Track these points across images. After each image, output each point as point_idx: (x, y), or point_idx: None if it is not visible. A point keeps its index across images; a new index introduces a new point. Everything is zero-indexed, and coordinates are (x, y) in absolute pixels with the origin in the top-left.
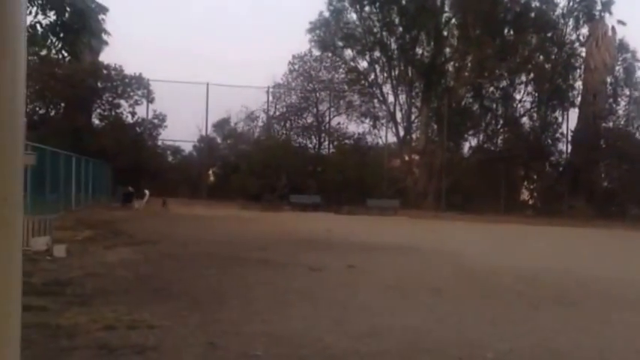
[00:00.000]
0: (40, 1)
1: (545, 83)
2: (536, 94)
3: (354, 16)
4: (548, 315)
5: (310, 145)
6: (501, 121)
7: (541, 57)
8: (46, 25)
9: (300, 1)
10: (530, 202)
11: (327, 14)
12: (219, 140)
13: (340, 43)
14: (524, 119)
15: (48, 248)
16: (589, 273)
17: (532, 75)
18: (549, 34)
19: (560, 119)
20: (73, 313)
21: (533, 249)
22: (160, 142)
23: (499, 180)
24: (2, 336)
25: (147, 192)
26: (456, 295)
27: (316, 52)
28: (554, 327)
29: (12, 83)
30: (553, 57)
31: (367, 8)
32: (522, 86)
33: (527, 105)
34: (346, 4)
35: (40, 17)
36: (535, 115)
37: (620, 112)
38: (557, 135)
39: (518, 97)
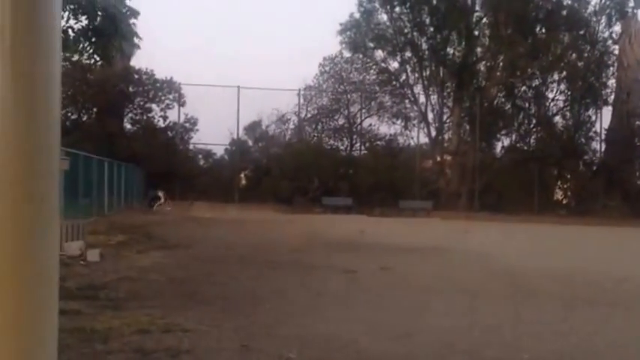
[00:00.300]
0: (71, 6)
1: (578, 81)
2: (569, 93)
3: (384, 16)
4: (585, 316)
5: (342, 147)
6: (534, 121)
7: (573, 55)
8: (78, 29)
9: (331, 3)
10: (564, 201)
11: (357, 15)
12: (250, 143)
13: (371, 44)
14: (557, 118)
15: (81, 253)
16: (626, 273)
17: (565, 73)
18: (581, 32)
19: (593, 118)
20: (107, 317)
21: (568, 249)
22: (191, 146)
23: (532, 180)
24: (40, 339)
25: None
26: (491, 296)
27: (347, 54)
28: (592, 328)
29: (47, 84)
30: (586, 55)
31: (398, 9)
32: (555, 85)
33: (560, 104)
34: (377, 5)
35: (71, 22)
36: (568, 113)
37: None
38: (591, 134)
39: (550, 95)
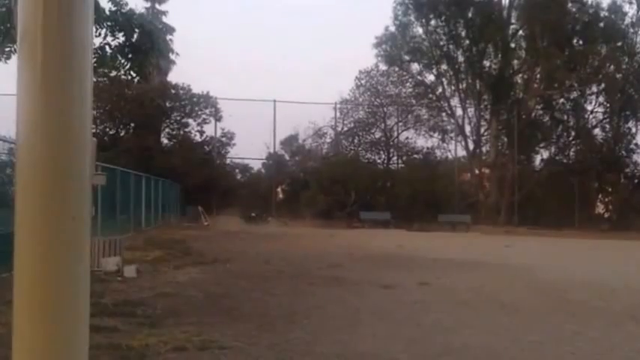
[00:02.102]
0: (109, 23)
1: (617, 93)
2: (608, 105)
3: (420, 30)
4: (628, 332)
5: (379, 161)
6: (573, 133)
7: (611, 67)
8: (115, 46)
9: (366, 17)
10: (606, 215)
11: (392, 29)
12: (287, 157)
13: (407, 57)
14: (597, 130)
15: (118, 269)
16: None
17: (603, 85)
18: (619, 44)
19: (633, 130)
20: (144, 334)
21: (610, 264)
22: (228, 161)
23: (572, 193)
24: (70, 354)
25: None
26: (531, 312)
27: (383, 67)
28: (636, 345)
29: (80, 102)
30: (624, 67)
31: (433, 22)
32: (593, 97)
33: (600, 116)
34: (412, 18)
35: (109, 39)
36: (607, 126)
37: None
38: (632, 146)
39: (589, 108)
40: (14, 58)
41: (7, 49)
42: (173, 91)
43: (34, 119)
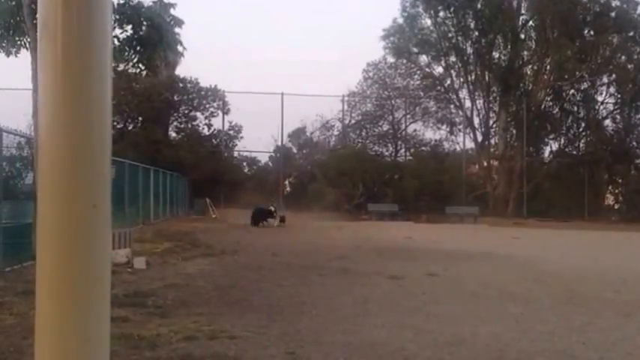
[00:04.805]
0: (117, 16)
1: (628, 84)
2: (619, 96)
3: (428, 21)
4: (639, 323)
5: (387, 153)
6: (583, 124)
7: (623, 57)
8: (124, 39)
9: (374, 9)
10: (616, 206)
11: (400, 21)
12: (294, 150)
13: (415, 49)
14: (607, 121)
15: (128, 260)
16: None
17: (614, 76)
18: (631, 34)
19: None
20: (155, 324)
21: (620, 255)
22: (236, 154)
23: (582, 185)
24: (92, 340)
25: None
26: (540, 303)
27: (391, 59)
28: None
29: (99, 93)
30: (635, 57)
31: (442, 13)
32: (604, 88)
33: (610, 107)
34: (420, 9)
35: (117, 31)
36: (618, 117)
37: None
38: None
39: (600, 99)
40: (23, 52)
41: (18, 43)
42: (181, 85)
43: (55, 109)
